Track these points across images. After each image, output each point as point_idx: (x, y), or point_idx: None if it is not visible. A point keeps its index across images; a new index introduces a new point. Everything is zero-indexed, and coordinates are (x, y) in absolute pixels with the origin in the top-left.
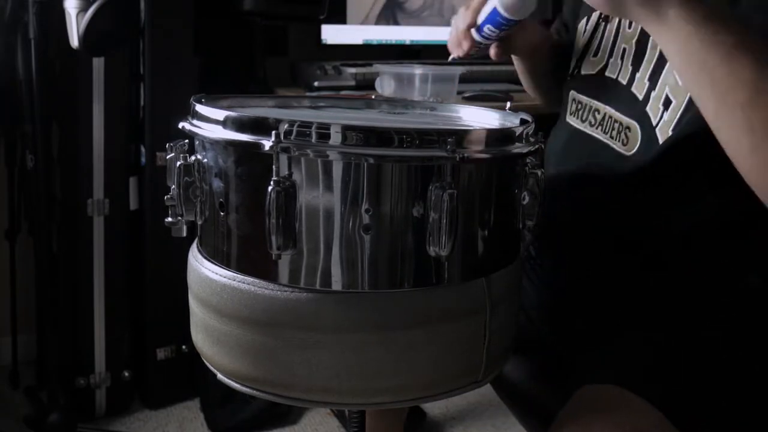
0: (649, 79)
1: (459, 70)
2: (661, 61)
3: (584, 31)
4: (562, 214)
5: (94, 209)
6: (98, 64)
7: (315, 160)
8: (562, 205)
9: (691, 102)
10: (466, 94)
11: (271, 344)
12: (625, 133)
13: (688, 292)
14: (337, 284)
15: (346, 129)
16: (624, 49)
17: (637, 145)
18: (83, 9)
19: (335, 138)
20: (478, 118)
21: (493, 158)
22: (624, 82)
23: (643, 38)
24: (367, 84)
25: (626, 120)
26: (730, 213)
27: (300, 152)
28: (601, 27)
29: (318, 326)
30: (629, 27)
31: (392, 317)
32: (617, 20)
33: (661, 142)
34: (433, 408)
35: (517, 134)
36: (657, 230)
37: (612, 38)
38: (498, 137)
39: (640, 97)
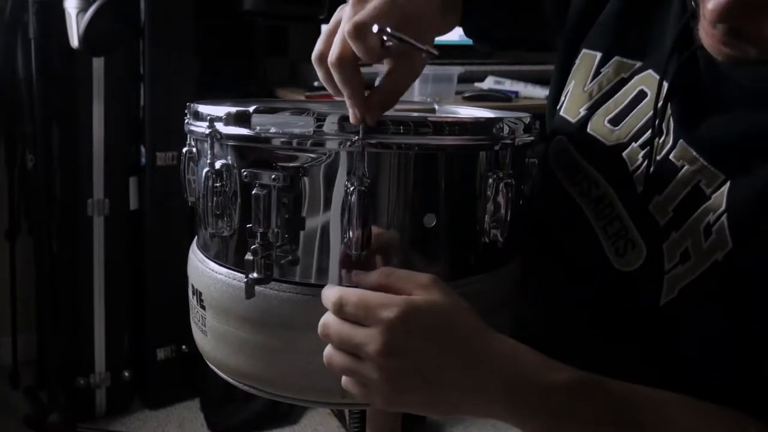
0: None
1: (457, 70)
2: None
3: None
4: (558, 218)
5: (94, 209)
6: (98, 64)
7: (320, 158)
8: (557, 209)
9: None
10: (466, 94)
11: (270, 343)
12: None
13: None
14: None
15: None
16: None
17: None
18: (83, 9)
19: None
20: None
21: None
22: None
23: None
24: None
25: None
26: None
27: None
28: None
29: (317, 325)
30: None
31: None
32: None
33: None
34: None
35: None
36: None
37: None
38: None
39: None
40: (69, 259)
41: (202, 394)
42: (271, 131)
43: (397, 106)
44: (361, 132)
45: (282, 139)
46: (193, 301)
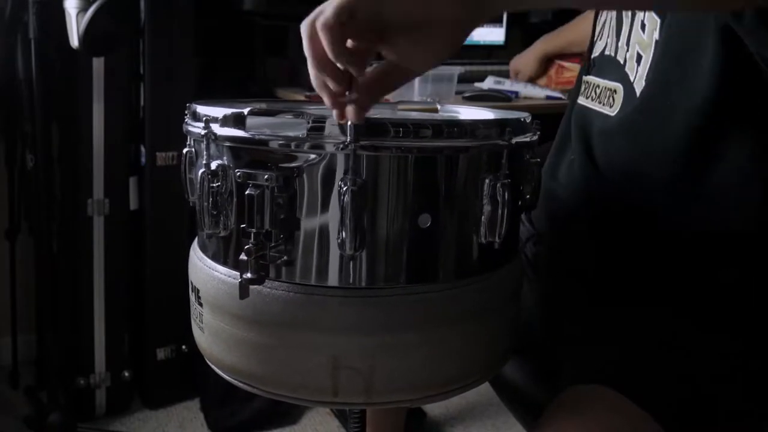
0: (626, 43)
1: (457, 69)
2: (631, 22)
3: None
4: (561, 214)
5: (94, 209)
6: (98, 64)
7: (314, 159)
8: (560, 206)
9: (658, 52)
10: (466, 94)
11: (268, 342)
12: (612, 97)
13: (678, 295)
14: (334, 283)
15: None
16: (612, 25)
17: (620, 104)
18: (83, 9)
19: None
20: (478, 117)
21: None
22: (613, 54)
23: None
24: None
25: (612, 84)
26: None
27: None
28: (604, 12)
29: (316, 325)
30: None
31: (392, 317)
32: None
33: (638, 95)
34: (433, 408)
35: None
36: (645, 216)
37: (608, 18)
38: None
39: (622, 62)
40: (69, 259)
41: (202, 394)
42: (265, 133)
43: (400, 106)
44: (349, 133)
45: (276, 141)
46: (192, 298)
